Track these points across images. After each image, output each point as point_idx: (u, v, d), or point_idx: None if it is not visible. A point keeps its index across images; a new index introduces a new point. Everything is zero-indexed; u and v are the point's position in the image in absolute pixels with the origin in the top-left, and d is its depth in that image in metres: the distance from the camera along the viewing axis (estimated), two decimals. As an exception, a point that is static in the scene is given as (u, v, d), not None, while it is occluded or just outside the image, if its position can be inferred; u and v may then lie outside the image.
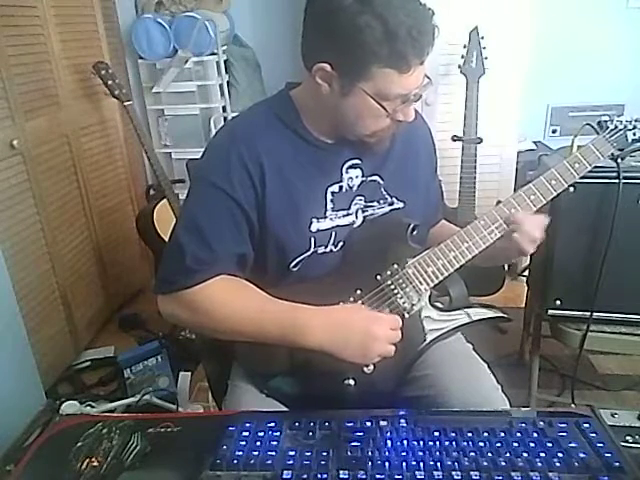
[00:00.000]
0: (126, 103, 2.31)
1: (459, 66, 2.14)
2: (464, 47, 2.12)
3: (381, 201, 1.03)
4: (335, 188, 0.99)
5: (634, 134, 1.10)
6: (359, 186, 1.01)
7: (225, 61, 2.60)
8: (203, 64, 2.59)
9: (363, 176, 1.01)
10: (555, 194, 1.02)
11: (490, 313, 1.02)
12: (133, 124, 2.32)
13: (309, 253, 0.97)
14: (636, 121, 1.11)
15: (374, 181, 1.02)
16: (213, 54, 2.57)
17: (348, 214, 1.00)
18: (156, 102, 2.72)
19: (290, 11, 2.65)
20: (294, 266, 0.98)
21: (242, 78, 2.70)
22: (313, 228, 0.97)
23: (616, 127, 1.08)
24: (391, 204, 1.04)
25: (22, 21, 2.00)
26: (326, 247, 0.98)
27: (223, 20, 2.71)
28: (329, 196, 0.98)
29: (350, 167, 1.00)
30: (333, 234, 0.98)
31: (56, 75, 2.19)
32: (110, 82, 2.28)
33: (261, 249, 0.98)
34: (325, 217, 0.98)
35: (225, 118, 2.64)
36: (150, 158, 2.33)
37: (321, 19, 0.86)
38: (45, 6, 2.10)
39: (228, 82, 2.66)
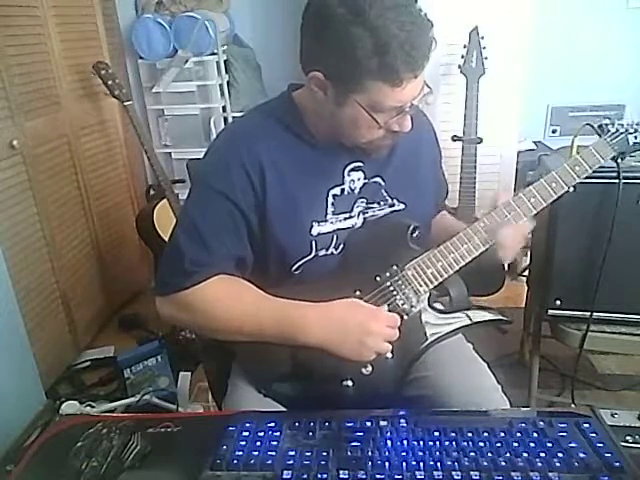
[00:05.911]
0: (126, 103, 2.31)
1: (459, 66, 2.14)
2: (464, 47, 2.12)
3: (382, 202, 1.03)
4: (337, 191, 0.98)
5: (635, 137, 1.10)
6: (361, 188, 1.00)
7: (225, 61, 2.60)
8: (203, 64, 2.59)
9: (365, 178, 1.01)
10: (555, 197, 1.02)
11: (490, 315, 1.02)
12: (133, 124, 2.32)
13: (311, 257, 0.97)
14: (637, 124, 1.11)
15: (376, 182, 1.02)
16: (213, 54, 2.57)
17: (350, 217, 1.00)
18: (156, 102, 2.72)
19: (290, 11, 2.65)
20: (296, 269, 0.98)
21: (242, 78, 2.70)
22: (314, 232, 0.96)
23: (617, 130, 1.08)
24: (392, 206, 1.03)
25: (22, 21, 2.00)
26: (327, 250, 0.98)
27: (223, 20, 2.71)
28: (330, 199, 0.98)
29: (352, 170, 0.99)
30: (334, 237, 0.98)
31: (56, 75, 2.19)
32: (110, 82, 2.28)
33: (262, 252, 0.98)
34: (326, 220, 0.97)
35: (225, 118, 2.64)
36: (150, 158, 2.33)
37: (314, 26, 0.85)
38: (45, 6, 2.10)
39: (228, 82, 2.66)
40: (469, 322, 1.01)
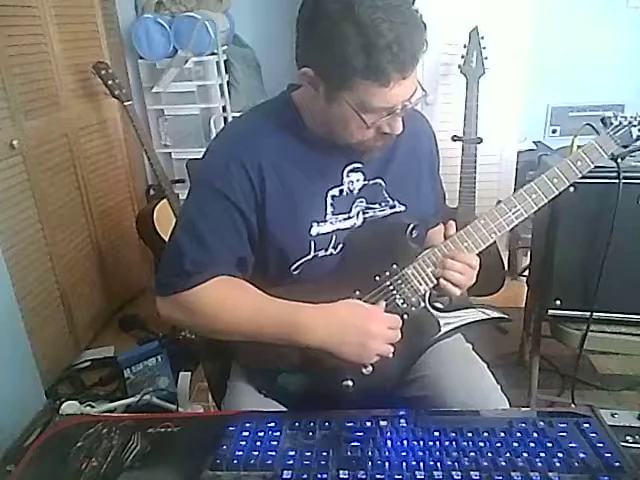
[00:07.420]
0: (126, 103, 2.31)
1: (459, 66, 2.13)
2: (464, 47, 2.12)
3: (383, 204, 1.02)
4: (335, 192, 0.98)
5: (639, 130, 1.08)
6: (360, 189, 1.00)
7: (225, 61, 2.60)
8: (203, 64, 2.60)
9: (365, 180, 1.00)
10: (557, 192, 1.01)
11: (491, 313, 1.02)
12: (133, 124, 2.32)
13: (310, 257, 0.97)
14: None
15: (376, 184, 1.01)
16: (213, 54, 2.57)
17: (349, 217, 1.00)
18: (156, 102, 2.72)
19: (290, 11, 2.63)
20: (295, 269, 0.98)
21: (242, 78, 2.70)
22: (313, 232, 0.96)
23: (620, 123, 1.07)
24: (393, 207, 1.03)
25: (22, 21, 2.00)
26: (326, 250, 0.98)
27: (223, 20, 2.71)
28: (329, 200, 0.97)
29: (351, 171, 0.99)
30: (334, 237, 0.98)
31: (56, 75, 2.19)
32: (110, 82, 2.28)
33: (262, 252, 0.98)
34: (325, 221, 0.97)
35: (225, 118, 2.64)
36: (150, 158, 2.33)
37: (307, 21, 0.85)
38: (45, 6, 2.10)
39: (228, 82, 2.66)
40: (469, 320, 1.01)
